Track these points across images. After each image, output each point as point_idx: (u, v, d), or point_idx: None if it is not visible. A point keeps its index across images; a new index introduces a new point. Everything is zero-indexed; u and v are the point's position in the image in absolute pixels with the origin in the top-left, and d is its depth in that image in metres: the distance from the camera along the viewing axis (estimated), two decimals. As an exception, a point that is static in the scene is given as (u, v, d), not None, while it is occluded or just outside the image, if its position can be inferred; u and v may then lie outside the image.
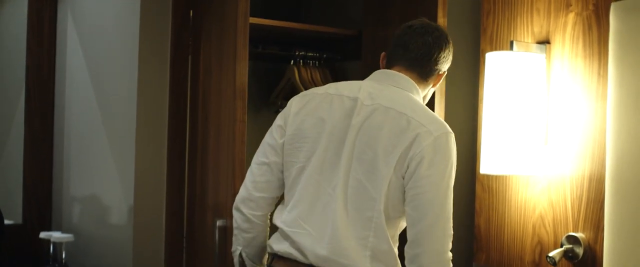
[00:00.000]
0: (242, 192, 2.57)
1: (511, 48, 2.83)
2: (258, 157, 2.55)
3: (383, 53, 2.66)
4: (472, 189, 3.17)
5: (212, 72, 3.05)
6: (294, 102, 2.53)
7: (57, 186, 3.67)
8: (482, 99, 3.01)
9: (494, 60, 2.84)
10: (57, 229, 3.62)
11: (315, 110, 2.47)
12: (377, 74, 2.61)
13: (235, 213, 2.59)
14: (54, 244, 3.37)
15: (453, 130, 2.55)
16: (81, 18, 3.56)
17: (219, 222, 2.93)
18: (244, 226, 2.58)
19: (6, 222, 3.44)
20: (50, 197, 3.69)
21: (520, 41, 2.93)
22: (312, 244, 2.40)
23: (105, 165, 3.37)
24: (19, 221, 3.63)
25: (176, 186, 3.17)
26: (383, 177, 2.36)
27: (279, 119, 2.54)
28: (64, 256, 3.35)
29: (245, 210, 2.56)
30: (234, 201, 2.61)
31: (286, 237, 2.46)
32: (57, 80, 3.70)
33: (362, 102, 2.45)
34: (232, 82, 2.83)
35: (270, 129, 2.56)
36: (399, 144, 2.37)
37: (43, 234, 3.40)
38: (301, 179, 2.46)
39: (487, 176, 3.06)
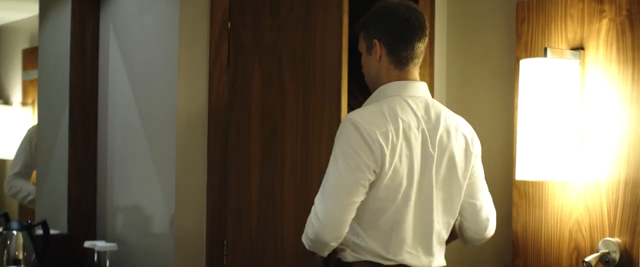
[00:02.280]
0: (329, 231, 2.53)
1: (545, 55, 2.85)
2: (349, 197, 2.52)
3: (377, 44, 2.65)
4: (508, 196, 3.18)
5: (253, 84, 3.13)
6: (382, 142, 2.52)
7: (100, 196, 3.74)
8: (517, 105, 3.03)
9: (528, 67, 2.86)
10: (101, 239, 3.69)
11: (401, 149, 2.55)
12: (411, 89, 2.66)
13: (321, 248, 2.60)
14: (98, 253, 3.43)
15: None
16: (122, 31, 3.63)
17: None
18: (329, 250, 2.63)
19: (52, 232, 3.52)
20: (95, 208, 3.76)
21: (555, 48, 2.95)
22: (420, 263, 2.65)
23: (147, 176, 3.43)
24: (64, 230, 3.71)
25: (217, 195, 3.22)
26: (462, 189, 2.70)
27: (366, 160, 2.51)
28: (108, 264, 3.42)
29: (334, 244, 2.58)
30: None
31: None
32: (100, 95, 3.78)
33: (425, 127, 2.61)
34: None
35: (352, 164, 2.51)
36: (467, 162, 2.69)
37: (87, 244, 3.47)
38: (398, 210, 2.59)
39: (524, 182, 3.07)
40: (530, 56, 3.05)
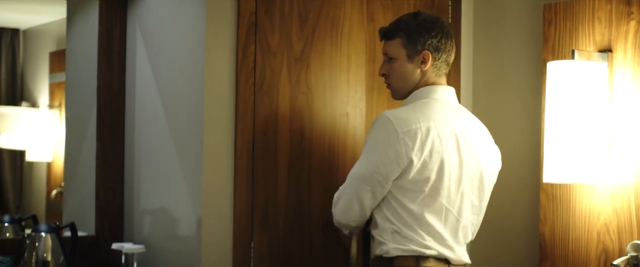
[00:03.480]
0: (349, 215, 2.83)
1: (573, 57, 2.84)
2: (365, 186, 2.76)
3: (429, 56, 2.81)
4: (536, 198, 3.17)
5: (280, 84, 3.15)
6: (408, 140, 2.69)
7: (128, 198, 3.76)
8: (544, 108, 3.02)
9: (555, 70, 2.86)
10: (128, 241, 3.71)
11: (432, 145, 2.70)
12: (442, 93, 2.83)
13: (342, 228, 2.95)
14: (126, 255, 3.45)
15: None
16: (149, 34, 3.65)
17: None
18: (347, 229, 2.97)
19: (80, 233, 3.53)
20: (122, 210, 3.78)
21: (582, 50, 2.94)
22: (455, 256, 2.78)
23: (174, 178, 3.45)
24: (92, 232, 3.73)
25: (244, 197, 3.24)
26: (485, 190, 2.85)
27: (389, 156, 2.71)
28: (135, 266, 3.44)
29: (354, 225, 2.90)
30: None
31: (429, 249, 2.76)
32: (127, 97, 3.80)
33: (456, 128, 2.75)
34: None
35: (376, 157, 2.73)
36: (493, 168, 2.86)
37: (115, 245, 3.49)
38: (426, 202, 2.73)
39: (551, 185, 3.07)
40: (558, 58, 3.05)
